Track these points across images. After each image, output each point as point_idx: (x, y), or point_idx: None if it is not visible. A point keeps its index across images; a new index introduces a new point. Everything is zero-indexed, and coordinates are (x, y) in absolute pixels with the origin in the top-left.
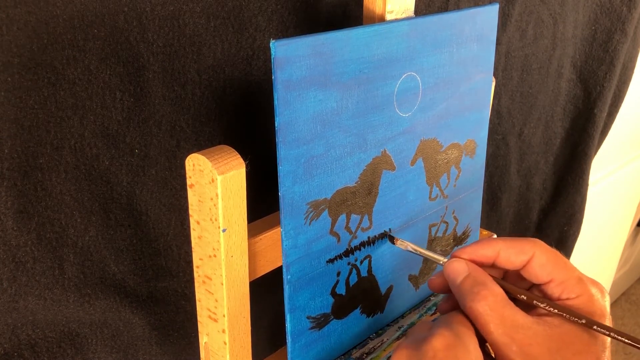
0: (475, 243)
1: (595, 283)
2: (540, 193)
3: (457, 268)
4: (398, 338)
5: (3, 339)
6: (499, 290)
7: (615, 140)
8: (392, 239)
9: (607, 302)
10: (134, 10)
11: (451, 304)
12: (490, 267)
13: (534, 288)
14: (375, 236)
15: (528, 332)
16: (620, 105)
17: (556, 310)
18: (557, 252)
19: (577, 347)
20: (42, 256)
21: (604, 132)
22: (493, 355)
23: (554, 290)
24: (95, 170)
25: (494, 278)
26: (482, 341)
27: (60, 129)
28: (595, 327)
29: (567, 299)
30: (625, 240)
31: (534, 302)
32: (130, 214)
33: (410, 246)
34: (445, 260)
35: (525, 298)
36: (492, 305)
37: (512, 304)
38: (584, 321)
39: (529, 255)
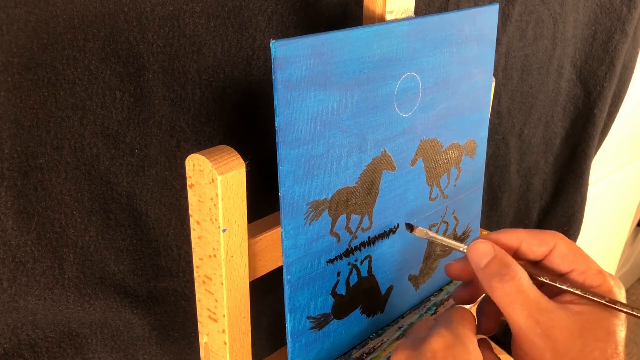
0: (498, 232)
1: (613, 277)
2: (540, 193)
3: (484, 250)
4: (398, 338)
5: (3, 339)
6: (525, 274)
7: (615, 140)
8: (410, 228)
9: (623, 296)
10: (134, 10)
11: (469, 290)
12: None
13: (556, 278)
14: (375, 236)
15: (552, 316)
16: (620, 105)
17: (579, 292)
18: (578, 245)
19: (598, 333)
20: (42, 256)
21: (604, 132)
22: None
23: (576, 279)
24: (95, 170)
25: (519, 262)
26: (481, 340)
27: (60, 129)
28: (618, 306)
29: (590, 286)
30: (625, 240)
31: (558, 284)
32: (130, 214)
33: (430, 234)
34: (466, 247)
35: (549, 281)
36: (518, 287)
37: (536, 288)
38: (607, 300)
39: (550, 246)
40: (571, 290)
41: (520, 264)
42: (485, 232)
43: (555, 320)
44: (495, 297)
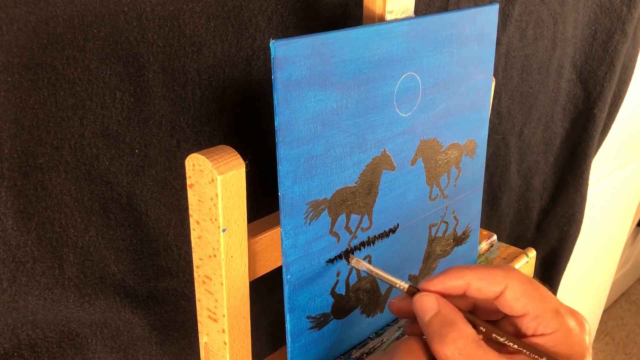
0: (444, 273)
1: (574, 314)
2: (540, 193)
3: (426, 304)
4: (398, 338)
5: (3, 339)
6: (470, 331)
7: (615, 140)
8: (347, 257)
9: (587, 335)
10: (134, 10)
11: (417, 327)
12: (460, 296)
13: (509, 319)
14: (375, 236)
15: None
16: (620, 105)
17: (516, 347)
18: (534, 282)
19: None
20: (42, 256)
21: (604, 132)
22: None
23: (528, 324)
24: (95, 170)
25: (465, 314)
26: None
27: (60, 129)
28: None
29: (542, 334)
30: (625, 240)
31: (493, 335)
32: (130, 214)
33: (365, 266)
34: (405, 285)
35: (498, 338)
36: (461, 349)
37: (483, 344)
38: (531, 354)
39: (501, 286)
40: (513, 347)
41: (468, 316)
42: (485, 232)
43: None
44: (437, 358)
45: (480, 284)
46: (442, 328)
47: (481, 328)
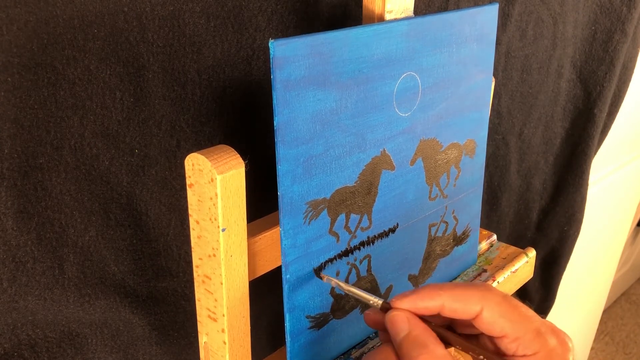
0: (417, 292)
1: (556, 333)
2: (540, 193)
3: (397, 323)
4: None
5: (3, 339)
6: (442, 352)
7: (615, 140)
8: (318, 274)
9: (570, 355)
10: (134, 10)
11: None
12: (435, 315)
13: (488, 336)
14: (374, 236)
15: None
16: (620, 105)
17: None
18: (512, 301)
19: None
20: (42, 256)
21: (604, 132)
22: None
23: (508, 345)
24: (95, 170)
25: (440, 331)
26: None
27: (60, 129)
28: None
29: (523, 355)
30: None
31: (470, 353)
32: (130, 214)
33: (338, 284)
34: (378, 301)
35: (470, 354)
36: None
37: None
38: None
39: (477, 307)
40: None
41: (441, 332)
42: (485, 232)
43: None
44: None
45: (455, 306)
46: (412, 350)
47: (457, 347)
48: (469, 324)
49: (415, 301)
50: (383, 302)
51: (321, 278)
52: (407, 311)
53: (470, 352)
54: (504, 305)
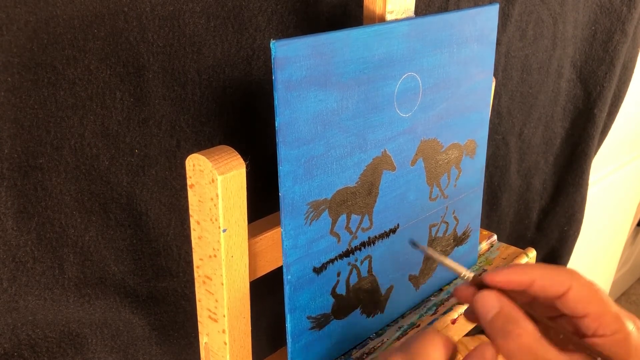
0: (509, 268)
1: (632, 318)
2: (540, 193)
3: (488, 303)
4: (398, 338)
5: (3, 339)
6: (532, 328)
7: (615, 140)
8: (414, 245)
9: None
10: (134, 10)
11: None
12: (521, 292)
13: (567, 317)
14: (375, 236)
15: None
16: (620, 105)
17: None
18: (594, 285)
19: None
20: (42, 256)
21: (604, 132)
22: None
23: (589, 325)
24: (95, 170)
25: (526, 312)
26: None
27: (60, 129)
28: None
29: (603, 335)
30: (625, 240)
31: (561, 335)
32: (130, 214)
33: (432, 252)
34: (471, 274)
35: (562, 337)
36: (524, 345)
37: (544, 341)
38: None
39: (565, 287)
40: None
41: (529, 313)
42: (485, 232)
43: None
44: (502, 353)
45: (544, 283)
46: (505, 325)
47: (541, 325)
48: (548, 305)
49: (508, 275)
50: (474, 275)
51: (416, 246)
52: (496, 291)
53: (551, 332)
54: (588, 287)
